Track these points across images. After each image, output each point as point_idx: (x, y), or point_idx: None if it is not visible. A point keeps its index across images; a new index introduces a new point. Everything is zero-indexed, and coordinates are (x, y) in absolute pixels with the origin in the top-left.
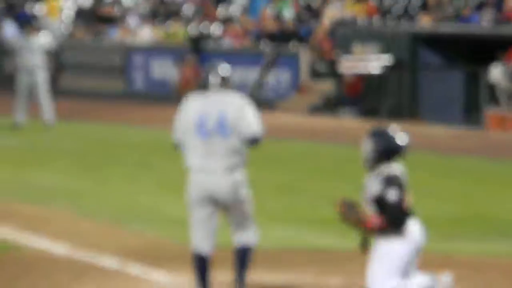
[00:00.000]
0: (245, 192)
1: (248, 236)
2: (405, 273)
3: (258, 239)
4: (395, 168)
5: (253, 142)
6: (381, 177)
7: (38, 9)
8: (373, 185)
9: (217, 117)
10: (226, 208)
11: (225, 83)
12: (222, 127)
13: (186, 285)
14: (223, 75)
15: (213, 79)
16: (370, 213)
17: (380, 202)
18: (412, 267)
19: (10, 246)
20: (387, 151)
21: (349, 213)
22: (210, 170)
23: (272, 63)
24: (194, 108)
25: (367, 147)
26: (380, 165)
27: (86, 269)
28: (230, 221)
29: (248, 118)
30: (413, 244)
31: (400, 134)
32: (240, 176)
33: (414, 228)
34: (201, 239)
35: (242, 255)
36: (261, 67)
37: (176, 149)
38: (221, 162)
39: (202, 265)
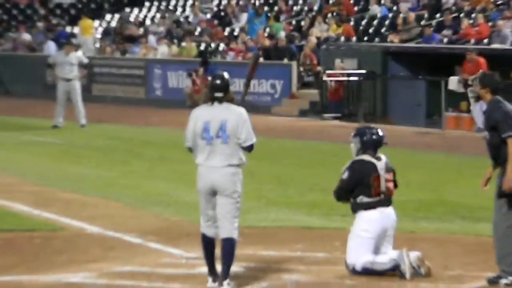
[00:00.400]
0: (240, 189)
1: (233, 229)
2: (378, 249)
3: (237, 235)
4: (366, 157)
5: (249, 148)
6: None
7: (75, 29)
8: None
9: (219, 126)
10: (221, 198)
11: (226, 92)
12: (223, 135)
13: (198, 258)
14: (223, 85)
15: (216, 93)
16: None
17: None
18: (386, 244)
19: (54, 226)
20: (367, 143)
21: None
22: (212, 166)
23: (254, 68)
24: (200, 117)
25: (352, 142)
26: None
27: (115, 244)
28: (220, 214)
29: (246, 129)
30: (384, 224)
31: (377, 131)
32: (236, 172)
33: (387, 211)
34: (206, 225)
35: (230, 247)
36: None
37: (189, 151)
38: (221, 161)
39: (208, 244)
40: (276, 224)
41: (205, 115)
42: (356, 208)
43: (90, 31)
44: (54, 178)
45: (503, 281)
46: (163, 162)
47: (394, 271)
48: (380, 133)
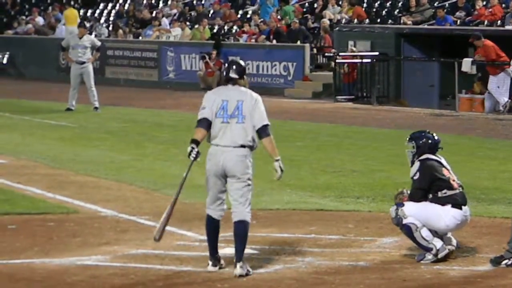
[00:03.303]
0: (251, 172)
1: (246, 212)
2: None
3: (250, 218)
4: (429, 155)
5: (265, 131)
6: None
7: (88, 13)
8: (412, 170)
9: (235, 105)
10: (233, 182)
11: (241, 75)
12: (238, 114)
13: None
14: (240, 69)
15: (232, 74)
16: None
17: (412, 178)
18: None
19: (68, 209)
20: (423, 148)
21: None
22: (224, 145)
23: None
24: (218, 96)
25: (407, 148)
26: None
27: (128, 227)
28: (232, 198)
29: (258, 110)
30: (461, 225)
31: (432, 135)
32: (247, 154)
33: (468, 213)
34: (212, 206)
35: (243, 229)
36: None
37: (200, 124)
38: (234, 141)
39: (213, 227)
40: (289, 207)
41: (223, 95)
42: (444, 202)
43: (76, 21)
44: (67, 161)
45: (505, 261)
46: (176, 145)
47: (426, 251)
48: (436, 137)
